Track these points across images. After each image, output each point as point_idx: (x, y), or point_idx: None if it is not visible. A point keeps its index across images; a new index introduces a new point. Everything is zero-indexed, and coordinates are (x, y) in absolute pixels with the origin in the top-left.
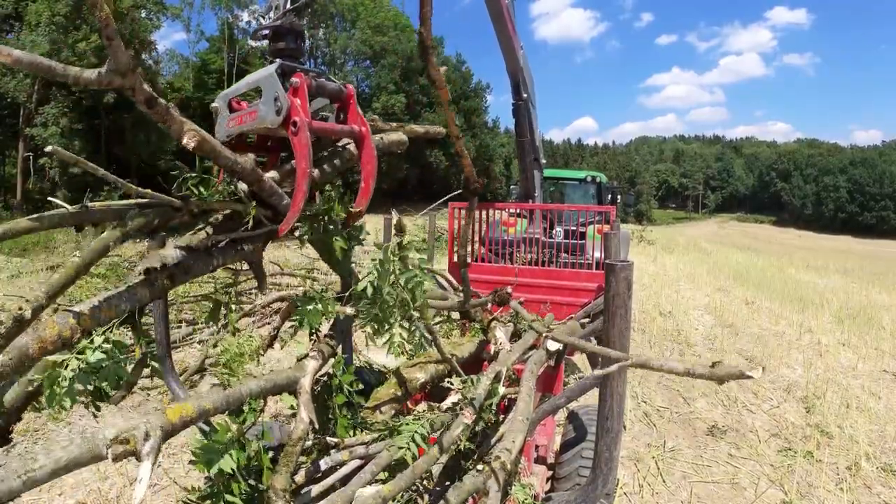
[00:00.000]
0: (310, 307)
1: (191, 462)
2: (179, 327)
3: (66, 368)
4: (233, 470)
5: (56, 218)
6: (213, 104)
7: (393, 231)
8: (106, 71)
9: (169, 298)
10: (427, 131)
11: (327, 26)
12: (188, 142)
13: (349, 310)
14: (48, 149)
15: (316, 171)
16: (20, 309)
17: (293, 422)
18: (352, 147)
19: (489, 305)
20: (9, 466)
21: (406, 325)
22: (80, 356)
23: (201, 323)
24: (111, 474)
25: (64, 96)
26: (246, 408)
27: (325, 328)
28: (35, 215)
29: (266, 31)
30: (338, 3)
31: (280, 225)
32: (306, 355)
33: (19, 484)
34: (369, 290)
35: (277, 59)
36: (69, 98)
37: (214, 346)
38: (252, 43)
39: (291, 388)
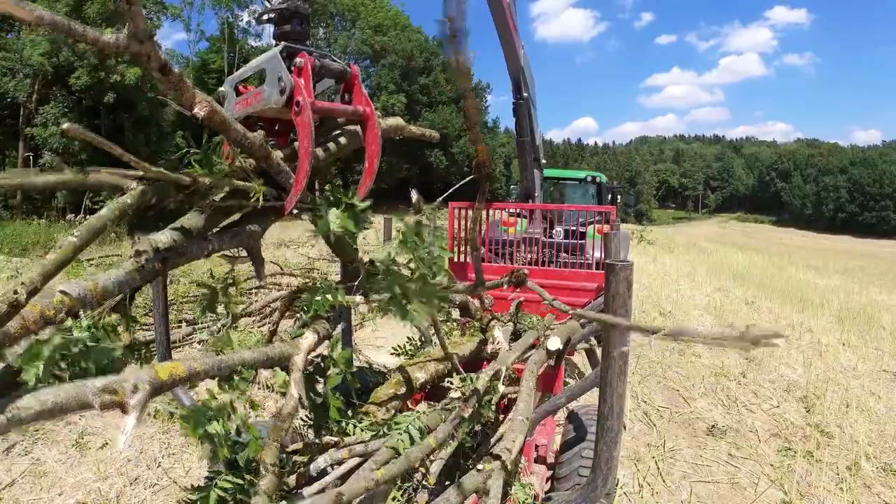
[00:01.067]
0: (318, 297)
1: (179, 419)
2: (179, 327)
3: (47, 344)
4: (217, 434)
5: (52, 180)
6: (221, 89)
7: (413, 210)
8: (125, 36)
9: (169, 299)
10: (423, 134)
11: (327, 26)
12: (199, 111)
13: (358, 298)
14: (64, 126)
15: (320, 151)
16: (15, 292)
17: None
18: (355, 129)
19: (506, 287)
20: None
21: (424, 299)
22: (64, 335)
23: (201, 323)
24: (111, 474)
25: (64, 96)
26: (237, 377)
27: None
28: (24, 169)
29: (271, 14)
30: (338, 3)
31: (284, 202)
32: (301, 333)
33: (3, 421)
34: (388, 259)
35: (282, 42)
36: (69, 98)
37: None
38: (254, 26)
39: (284, 363)
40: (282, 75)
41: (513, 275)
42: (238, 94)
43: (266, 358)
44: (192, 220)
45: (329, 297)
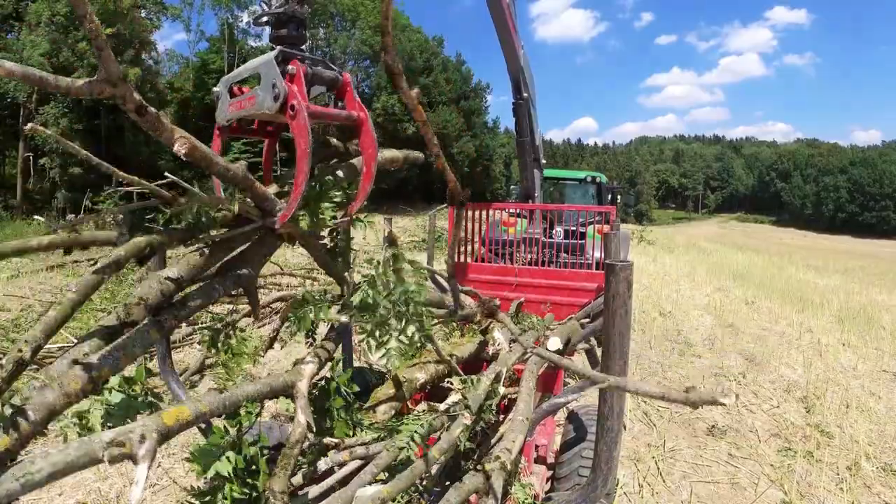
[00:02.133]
0: (300, 312)
1: (186, 460)
2: (179, 327)
3: (91, 414)
4: (229, 473)
5: (45, 242)
6: (215, 88)
7: (385, 244)
8: (97, 80)
9: None
10: (406, 157)
11: (327, 26)
12: (179, 149)
13: (343, 318)
14: (27, 127)
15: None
16: (20, 351)
17: (292, 424)
18: (356, 162)
19: (477, 318)
20: (7, 469)
21: (403, 338)
22: (100, 399)
23: (201, 323)
24: (111, 474)
25: (64, 96)
26: (242, 411)
27: (323, 329)
28: (21, 241)
29: (268, 18)
30: (338, 3)
31: (283, 211)
32: (303, 359)
33: (17, 486)
34: (363, 301)
35: (278, 47)
36: (69, 98)
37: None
38: (252, 29)
39: (288, 392)
40: (276, 82)
41: (484, 305)
42: (232, 94)
43: (270, 389)
44: (192, 257)
45: (312, 314)
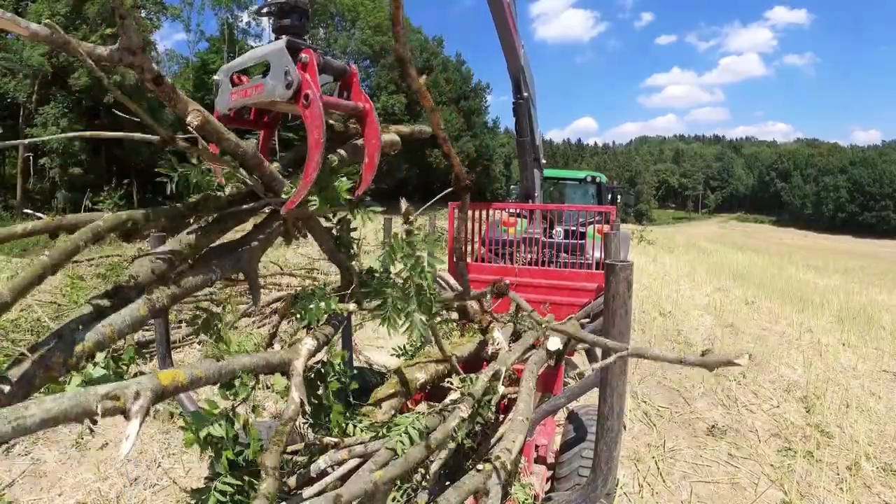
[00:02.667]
0: (311, 305)
1: (181, 428)
2: (179, 327)
3: (69, 384)
4: (223, 437)
5: (29, 227)
6: (215, 77)
7: (402, 220)
8: (118, 48)
9: None
10: (412, 131)
11: (327, 26)
12: (192, 120)
13: (352, 306)
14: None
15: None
16: None
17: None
18: (359, 143)
19: (488, 297)
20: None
21: (423, 313)
22: (86, 375)
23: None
24: (111, 474)
25: (64, 96)
26: (237, 382)
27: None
28: (6, 229)
29: (270, 7)
30: (338, 3)
31: (290, 198)
32: (302, 339)
33: (9, 429)
34: (379, 268)
35: (283, 36)
36: (69, 98)
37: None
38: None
39: (284, 369)
40: (289, 69)
41: (494, 286)
42: (232, 84)
43: (266, 363)
44: (188, 237)
45: (323, 305)
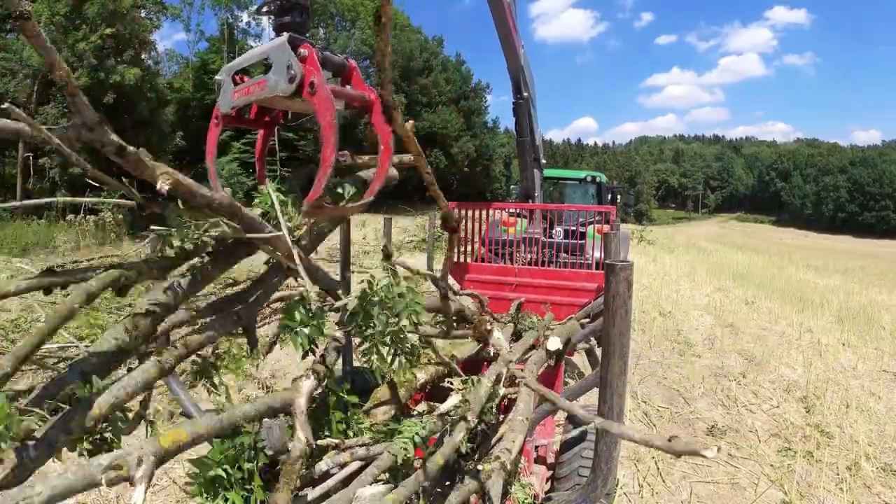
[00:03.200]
0: (298, 331)
1: (186, 484)
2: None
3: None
4: (227, 481)
5: (23, 286)
6: (217, 77)
7: (382, 254)
8: (74, 125)
9: None
10: (400, 161)
11: (327, 26)
12: (162, 185)
13: (339, 333)
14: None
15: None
16: None
17: (291, 426)
18: (365, 175)
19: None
20: (7, 493)
21: (395, 353)
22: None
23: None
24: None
25: (63, 97)
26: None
27: (321, 344)
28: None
29: (270, 6)
30: (338, 3)
31: (312, 189)
32: (301, 376)
33: None
34: (358, 313)
35: (285, 33)
36: (68, 98)
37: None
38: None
39: (287, 409)
40: (291, 63)
41: (476, 329)
42: (234, 83)
43: (268, 408)
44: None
45: (307, 331)
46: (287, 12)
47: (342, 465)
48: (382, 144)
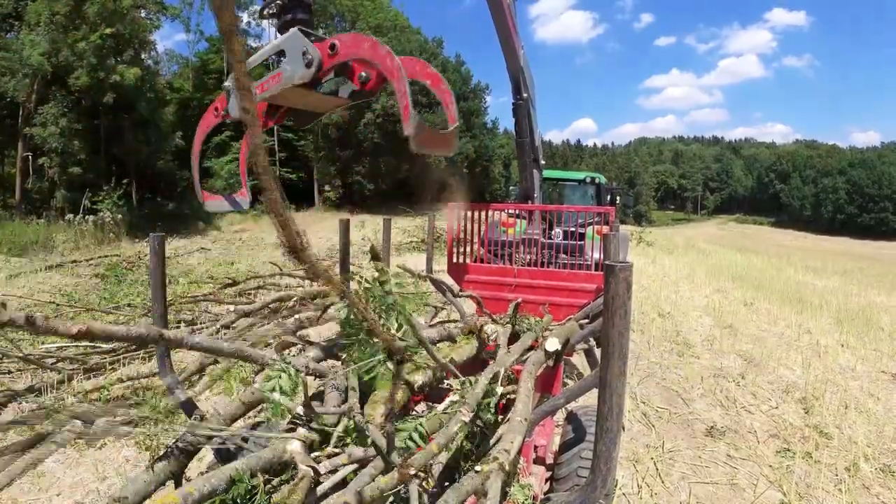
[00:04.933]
0: (272, 405)
1: None
2: (178, 327)
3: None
4: None
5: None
6: (226, 83)
7: (370, 257)
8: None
9: (168, 299)
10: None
11: (327, 26)
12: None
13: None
14: None
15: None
16: None
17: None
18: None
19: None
20: None
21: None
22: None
23: (200, 323)
24: (110, 475)
25: (63, 96)
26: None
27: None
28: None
29: (272, 7)
30: (338, 3)
31: (403, 119)
32: (293, 428)
33: None
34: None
35: (292, 28)
36: (69, 98)
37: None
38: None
39: (282, 462)
40: (307, 49)
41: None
42: None
43: (259, 462)
44: None
45: (281, 399)
46: (290, 10)
47: (341, 467)
48: (434, 88)
